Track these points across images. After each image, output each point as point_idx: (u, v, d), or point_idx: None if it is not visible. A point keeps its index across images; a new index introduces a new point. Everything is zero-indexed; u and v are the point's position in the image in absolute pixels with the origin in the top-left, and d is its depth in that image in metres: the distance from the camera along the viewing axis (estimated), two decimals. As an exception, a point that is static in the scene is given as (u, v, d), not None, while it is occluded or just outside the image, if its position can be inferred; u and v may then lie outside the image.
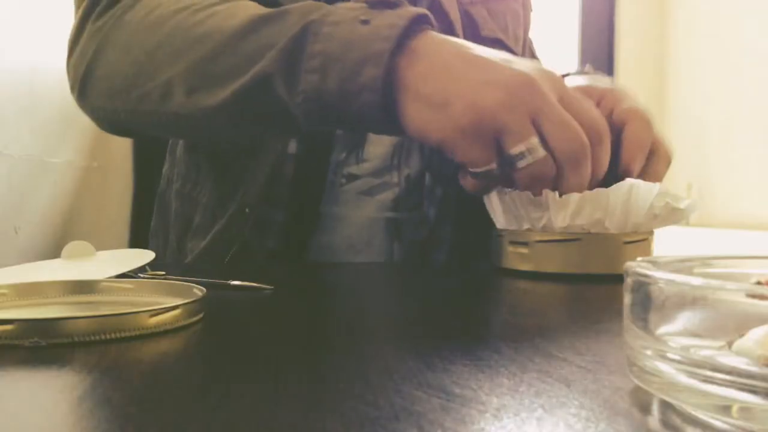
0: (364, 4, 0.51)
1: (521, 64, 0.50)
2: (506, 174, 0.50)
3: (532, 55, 0.87)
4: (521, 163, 0.48)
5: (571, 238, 0.52)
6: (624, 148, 0.57)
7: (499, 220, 0.56)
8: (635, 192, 0.52)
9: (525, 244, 0.53)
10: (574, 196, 0.51)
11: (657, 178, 0.58)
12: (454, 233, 0.72)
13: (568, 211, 0.51)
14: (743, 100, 1.73)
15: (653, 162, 0.59)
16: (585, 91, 0.61)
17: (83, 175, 1.00)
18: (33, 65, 0.86)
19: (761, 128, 1.66)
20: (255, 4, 0.56)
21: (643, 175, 0.58)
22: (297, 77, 0.50)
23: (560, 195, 0.50)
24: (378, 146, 0.69)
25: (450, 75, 0.49)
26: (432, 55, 0.49)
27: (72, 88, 0.63)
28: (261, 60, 0.51)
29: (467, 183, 0.55)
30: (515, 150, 0.48)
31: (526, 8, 0.83)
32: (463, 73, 0.49)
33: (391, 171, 0.70)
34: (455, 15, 0.70)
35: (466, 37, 0.72)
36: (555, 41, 1.99)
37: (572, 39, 2.10)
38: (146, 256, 0.50)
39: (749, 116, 1.70)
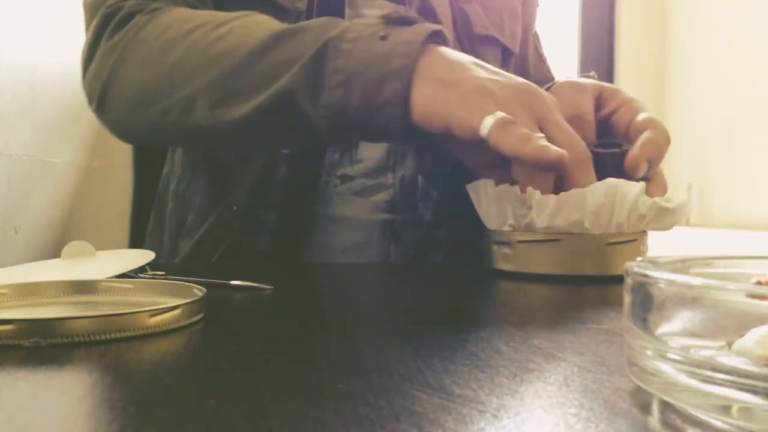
0: (381, 20, 0.52)
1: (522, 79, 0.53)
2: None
3: (536, 51, 0.87)
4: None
5: (551, 239, 0.51)
6: (642, 148, 0.55)
7: (483, 212, 0.56)
8: (614, 192, 0.51)
9: (508, 244, 0.53)
10: (553, 197, 0.51)
11: (662, 190, 0.57)
12: (451, 235, 0.72)
13: (547, 211, 0.51)
14: (743, 100, 1.73)
15: (650, 186, 0.57)
16: (580, 89, 0.61)
17: (83, 175, 1.00)
18: (33, 65, 0.86)
19: (761, 129, 1.66)
20: (270, 19, 0.57)
21: (651, 183, 0.57)
22: (320, 92, 0.51)
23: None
24: (372, 148, 0.69)
25: (463, 67, 0.51)
26: (446, 57, 0.52)
27: (90, 103, 0.64)
28: (284, 75, 0.52)
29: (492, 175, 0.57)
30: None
31: (529, 4, 0.83)
32: (475, 69, 0.51)
33: (385, 172, 0.70)
34: (444, 11, 0.70)
35: (457, 35, 0.72)
36: (555, 42, 1.99)
37: (572, 39, 2.10)
38: (146, 256, 0.50)
39: (749, 117, 1.70)
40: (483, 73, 0.51)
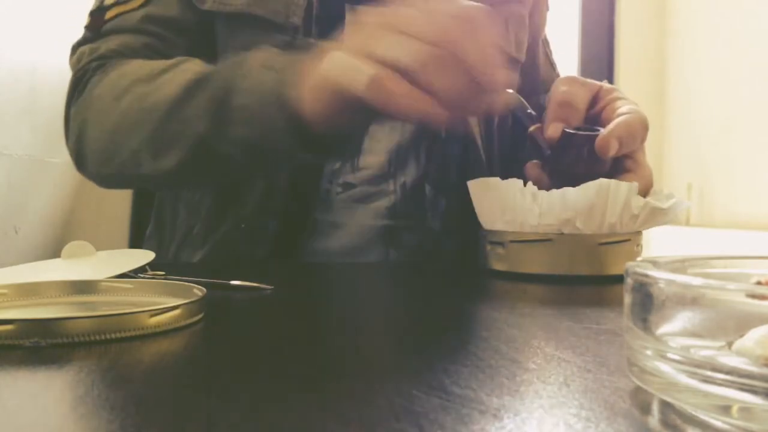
0: (275, 50, 0.55)
1: None
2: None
3: (547, 57, 0.86)
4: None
5: (543, 239, 0.51)
6: (613, 128, 0.55)
7: (480, 211, 0.56)
8: (606, 191, 0.50)
9: (501, 244, 0.53)
10: (545, 193, 0.50)
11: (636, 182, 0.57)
12: (460, 245, 0.72)
13: (539, 209, 0.51)
14: (743, 100, 1.73)
15: (627, 179, 0.57)
16: (580, 84, 0.61)
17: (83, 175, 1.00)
18: (33, 65, 0.86)
19: (761, 129, 1.66)
20: (197, 64, 0.59)
21: (623, 169, 0.57)
22: (227, 134, 0.54)
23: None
24: (374, 155, 0.70)
25: (353, 37, 0.48)
26: (333, 57, 0.49)
27: (74, 163, 0.69)
28: (198, 123, 0.55)
29: (532, 173, 0.58)
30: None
31: (538, 11, 0.83)
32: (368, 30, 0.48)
33: (387, 179, 0.70)
34: None
35: None
36: (555, 41, 1.99)
37: (572, 39, 2.10)
38: (146, 256, 0.50)
39: (749, 117, 1.70)
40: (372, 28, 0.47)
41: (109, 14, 0.68)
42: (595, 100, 0.62)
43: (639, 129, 0.56)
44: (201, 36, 0.68)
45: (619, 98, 0.61)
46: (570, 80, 0.62)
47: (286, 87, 0.51)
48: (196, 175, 0.62)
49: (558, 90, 0.60)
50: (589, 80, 0.63)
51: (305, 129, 0.51)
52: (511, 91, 0.66)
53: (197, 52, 0.64)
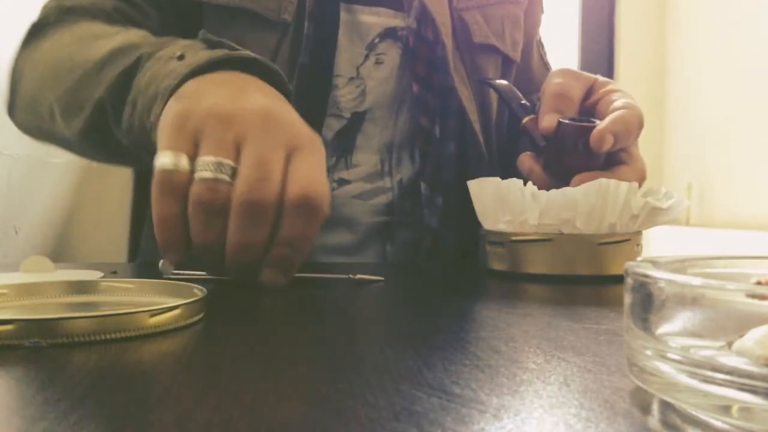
0: (202, 43, 0.51)
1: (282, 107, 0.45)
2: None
3: (541, 59, 0.87)
4: (203, 174, 0.41)
5: (543, 239, 0.51)
6: (609, 123, 0.55)
7: (480, 211, 0.56)
8: (606, 191, 0.50)
9: (501, 244, 0.53)
10: (545, 193, 0.50)
11: (620, 178, 0.56)
12: (458, 243, 0.72)
13: (538, 209, 0.51)
14: (743, 100, 1.73)
15: (621, 171, 0.57)
16: (574, 76, 0.61)
17: (83, 175, 1.00)
18: (33, 65, 0.86)
19: (761, 129, 1.66)
20: (140, 35, 0.57)
21: (616, 165, 0.57)
22: (121, 109, 0.52)
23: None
24: (366, 153, 0.70)
25: (218, 93, 0.45)
26: (224, 81, 0.47)
27: (6, 109, 0.69)
28: (102, 91, 0.53)
29: (525, 165, 0.58)
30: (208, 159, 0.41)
31: (532, 13, 0.83)
32: (228, 95, 0.44)
33: (383, 176, 0.70)
34: (444, 20, 0.70)
35: (456, 43, 0.72)
36: (555, 41, 1.99)
37: (572, 39, 2.10)
38: (96, 276, 0.49)
39: (749, 117, 1.70)
40: (226, 100, 0.43)
41: None
42: (589, 92, 0.62)
43: (634, 124, 0.57)
44: (178, 17, 0.67)
45: (615, 90, 0.61)
46: (564, 72, 0.62)
47: (170, 81, 0.47)
48: (98, 147, 0.60)
49: (552, 82, 0.60)
50: (584, 73, 0.63)
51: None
52: (504, 82, 0.66)
53: (169, 30, 0.62)
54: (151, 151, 0.45)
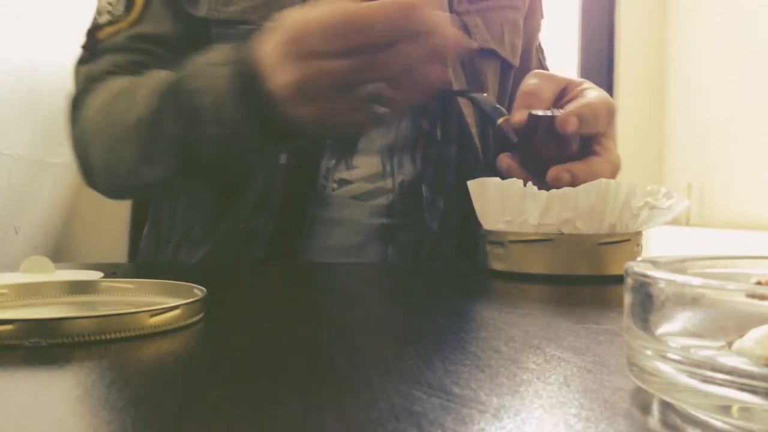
0: (226, 46, 0.57)
1: None
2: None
3: (540, 64, 0.87)
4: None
5: (543, 239, 0.51)
6: (575, 108, 0.57)
7: (480, 211, 0.56)
8: (606, 191, 0.51)
9: (501, 244, 0.53)
10: (545, 193, 0.51)
11: (593, 168, 0.57)
12: (458, 245, 0.72)
13: (538, 209, 0.51)
14: (743, 100, 1.73)
15: (594, 161, 0.58)
16: (547, 77, 0.62)
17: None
18: (33, 65, 0.86)
19: (761, 129, 1.66)
20: (166, 74, 0.61)
21: (585, 160, 0.58)
22: (202, 135, 0.56)
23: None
24: (367, 155, 0.70)
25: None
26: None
27: (86, 183, 0.71)
28: (175, 129, 0.57)
29: (503, 164, 0.59)
30: None
31: (532, 18, 0.83)
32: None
33: (384, 177, 0.70)
34: None
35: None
36: (555, 42, 1.99)
37: (572, 40, 2.10)
38: (97, 276, 0.49)
39: (749, 117, 1.70)
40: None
41: (100, 34, 0.70)
42: (563, 93, 0.63)
43: (602, 110, 0.58)
44: (193, 50, 0.69)
45: (588, 88, 0.62)
46: (538, 74, 0.64)
47: (238, 78, 0.53)
48: (190, 179, 0.63)
49: (526, 83, 0.62)
50: (558, 75, 0.64)
51: (268, 117, 0.52)
52: (485, 95, 0.68)
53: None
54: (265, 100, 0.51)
